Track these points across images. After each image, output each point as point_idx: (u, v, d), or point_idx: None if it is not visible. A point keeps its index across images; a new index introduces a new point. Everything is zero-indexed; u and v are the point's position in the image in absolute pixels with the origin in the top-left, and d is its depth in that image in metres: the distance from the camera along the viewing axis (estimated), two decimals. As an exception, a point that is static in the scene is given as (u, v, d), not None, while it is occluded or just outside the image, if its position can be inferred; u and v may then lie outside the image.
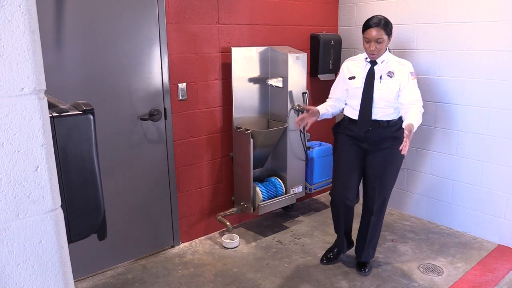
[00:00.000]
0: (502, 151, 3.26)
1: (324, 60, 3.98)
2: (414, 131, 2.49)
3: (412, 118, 2.55)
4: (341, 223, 3.01)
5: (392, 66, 2.72)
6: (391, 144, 2.73)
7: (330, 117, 2.95)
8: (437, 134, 3.63)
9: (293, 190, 3.70)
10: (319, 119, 2.84)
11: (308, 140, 3.94)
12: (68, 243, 0.96)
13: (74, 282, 1.74)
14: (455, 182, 3.58)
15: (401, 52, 3.73)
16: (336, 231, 3.10)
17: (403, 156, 2.65)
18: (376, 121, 2.75)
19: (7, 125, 0.80)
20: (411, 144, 3.80)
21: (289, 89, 3.46)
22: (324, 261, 3.12)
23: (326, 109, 2.88)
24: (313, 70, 4.02)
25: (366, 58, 2.75)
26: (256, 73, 3.51)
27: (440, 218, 3.74)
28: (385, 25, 2.62)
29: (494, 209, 3.38)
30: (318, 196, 4.41)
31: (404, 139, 2.38)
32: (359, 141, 2.83)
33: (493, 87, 3.24)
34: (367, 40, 2.65)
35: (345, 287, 2.85)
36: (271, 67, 3.55)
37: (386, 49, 2.73)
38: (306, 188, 3.88)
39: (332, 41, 3.99)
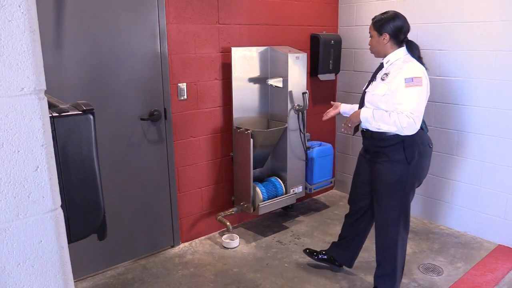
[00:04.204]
0: (502, 151, 3.26)
1: (324, 60, 3.98)
2: (362, 122, 2.48)
3: (368, 111, 2.44)
4: (344, 234, 2.92)
5: (393, 68, 2.42)
6: (382, 160, 2.49)
7: None
8: (437, 135, 3.63)
9: (293, 190, 3.70)
10: (345, 115, 2.73)
11: (308, 140, 3.94)
12: (68, 243, 0.96)
13: (74, 282, 1.74)
14: (455, 182, 3.58)
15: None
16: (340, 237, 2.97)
17: (397, 177, 2.45)
18: (367, 130, 2.53)
19: (7, 125, 0.80)
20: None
21: (289, 89, 3.46)
22: (307, 251, 3.08)
23: (351, 108, 2.77)
24: (313, 70, 4.02)
25: None
26: (256, 73, 3.51)
27: (440, 218, 3.74)
28: (376, 21, 2.47)
29: (494, 209, 3.38)
30: (318, 196, 4.41)
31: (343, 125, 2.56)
32: (365, 151, 2.66)
33: (493, 87, 3.24)
34: None
35: (345, 287, 2.86)
36: (271, 67, 3.55)
37: (398, 49, 2.45)
38: (306, 188, 3.88)
39: (332, 41, 3.99)
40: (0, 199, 0.81)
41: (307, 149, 3.75)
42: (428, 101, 3.62)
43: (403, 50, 2.47)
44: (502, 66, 3.17)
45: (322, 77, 4.09)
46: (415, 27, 3.63)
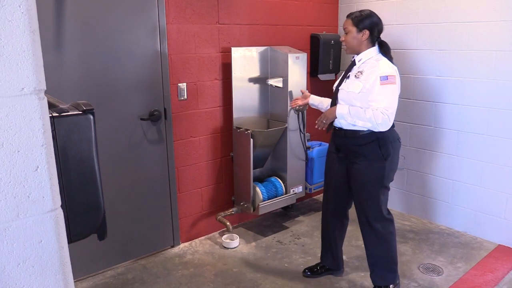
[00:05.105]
0: (502, 151, 3.26)
1: (324, 60, 3.98)
2: (337, 119, 2.50)
3: (343, 107, 2.47)
4: (325, 237, 2.95)
5: (367, 66, 2.46)
6: (359, 160, 2.53)
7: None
8: (437, 134, 3.63)
9: (293, 190, 3.70)
10: (313, 107, 2.80)
11: (308, 140, 3.94)
12: (68, 243, 0.96)
13: (74, 282, 1.74)
14: (455, 182, 3.58)
15: (401, 52, 3.73)
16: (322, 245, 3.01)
17: (377, 175, 2.51)
18: (341, 128, 2.56)
19: (7, 125, 0.80)
20: (411, 143, 3.82)
21: (289, 89, 3.46)
22: (308, 273, 2.97)
23: (320, 101, 2.81)
24: (313, 70, 4.02)
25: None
26: (256, 73, 3.51)
27: (440, 218, 3.74)
28: (356, 16, 2.48)
29: (494, 209, 3.38)
30: (318, 196, 4.41)
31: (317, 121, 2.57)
32: (337, 150, 2.67)
33: (493, 87, 3.23)
34: None
35: (345, 287, 2.85)
36: (271, 67, 3.55)
37: (370, 48, 2.50)
38: (306, 188, 3.88)
39: (332, 41, 3.99)
40: (0, 199, 0.81)
41: (307, 149, 3.75)
42: (428, 101, 3.67)
43: (375, 49, 2.52)
44: (502, 66, 3.17)
45: (322, 77, 4.08)
46: (415, 27, 3.63)
